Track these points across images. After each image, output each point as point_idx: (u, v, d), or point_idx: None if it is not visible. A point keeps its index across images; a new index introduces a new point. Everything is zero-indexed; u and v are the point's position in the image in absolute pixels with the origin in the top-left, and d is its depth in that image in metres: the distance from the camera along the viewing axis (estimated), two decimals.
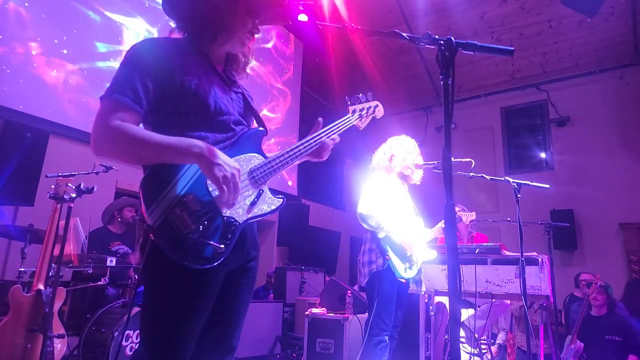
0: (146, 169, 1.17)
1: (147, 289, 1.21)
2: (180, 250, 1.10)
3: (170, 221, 1.10)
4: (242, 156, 1.30)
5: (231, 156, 1.23)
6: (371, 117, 1.71)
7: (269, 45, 7.50)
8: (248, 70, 1.48)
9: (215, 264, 1.14)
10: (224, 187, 1.14)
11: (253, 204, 1.29)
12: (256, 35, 1.37)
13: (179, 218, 1.11)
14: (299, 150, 1.41)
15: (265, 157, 1.36)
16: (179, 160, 1.15)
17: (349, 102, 1.68)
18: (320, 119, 1.55)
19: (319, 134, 1.49)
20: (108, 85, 1.18)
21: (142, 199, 1.12)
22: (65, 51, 4.38)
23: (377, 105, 1.72)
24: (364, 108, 1.69)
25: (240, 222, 1.23)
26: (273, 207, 1.34)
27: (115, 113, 1.13)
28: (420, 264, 2.82)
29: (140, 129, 1.16)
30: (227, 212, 1.20)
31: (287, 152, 1.39)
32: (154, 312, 1.19)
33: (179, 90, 1.21)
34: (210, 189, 1.19)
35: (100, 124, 1.13)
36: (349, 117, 1.63)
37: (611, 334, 3.86)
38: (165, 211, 1.10)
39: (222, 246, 1.16)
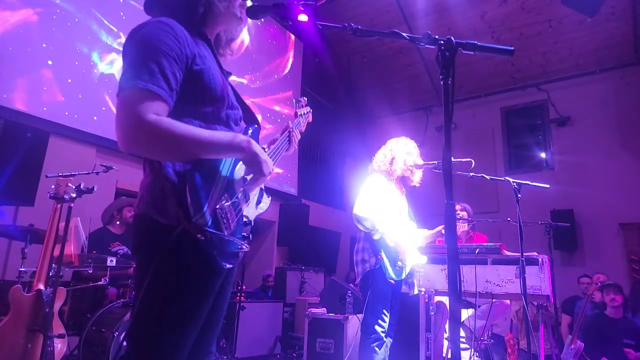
0: (177, 162, 1.08)
1: (158, 289, 1.09)
2: (219, 250, 1.07)
3: (218, 220, 1.07)
4: None
5: None
6: (307, 122, 1.80)
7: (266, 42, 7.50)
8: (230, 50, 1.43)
9: (236, 263, 1.15)
10: (261, 183, 1.18)
11: (258, 202, 1.31)
12: (248, 2, 1.32)
13: (223, 216, 1.08)
14: (279, 151, 1.47)
15: None
16: (227, 156, 1.13)
17: (296, 107, 1.76)
18: (288, 122, 1.61)
19: (284, 138, 1.53)
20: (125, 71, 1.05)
21: (188, 195, 1.02)
22: (66, 52, 4.38)
23: (310, 112, 1.82)
24: (304, 113, 1.77)
25: (251, 220, 1.25)
26: (267, 206, 1.38)
27: (149, 105, 0.99)
28: (409, 268, 2.82)
29: (181, 124, 1.05)
30: (244, 212, 1.21)
31: (273, 153, 1.43)
32: (163, 313, 1.08)
33: (198, 79, 1.13)
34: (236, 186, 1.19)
35: (132, 118, 0.99)
36: (299, 121, 1.70)
37: (629, 337, 3.88)
38: (215, 209, 1.07)
39: (245, 244, 1.17)
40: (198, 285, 1.11)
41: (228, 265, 1.11)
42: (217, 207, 1.08)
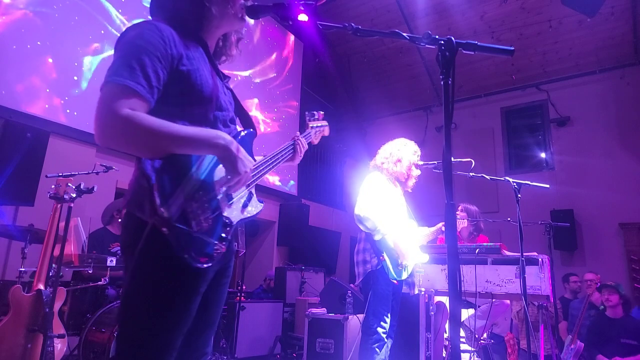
0: (152, 158, 1.07)
1: (136, 288, 1.10)
2: (188, 247, 1.05)
3: (186, 215, 1.05)
4: None
5: None
6: (321, 135, 1.86)
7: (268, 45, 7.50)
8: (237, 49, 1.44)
9: (212, 264, 1.12)
10: (240, 183, 1.16)
11: (245, 205, 1.28)
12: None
13: (194, 213, 1.07)
14: (279, 157, 1.48)
15: (254, 159, 1.37)
16: (200, 151, 1.12)
17: (308, 119, 1.81)
18: (297, 132, 1.64)
19: (288, 145, 1.57)
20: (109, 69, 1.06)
21: (155, 189, 1.03)
22: (66, 52, 4.38)
23: (326, 126, 1.87)
24: (317, 126, 1.81)
25: (234, 223, 1.22)
26: (257, 211, 1.34)
27: (125, 100, 1.01)
28: (411, 268, 2.83)
29: (155, 119, 1.05)
30: (225, 212, 1.19)
31: (271, 158, 1.43)
32: (142, 313, 1.09)
33: (185, 79, 1.14)
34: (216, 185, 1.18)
35: (107, 113, 1.01)
36: (309, 132, 1.75)
37: (627, 337, 3.85)
38: (183, 204, 1.06)
39: (223, 246, 1.14)
40: (175, 285, 1.10)
41: (204, 265, 1.09)
42: (187, 203, 1.07)
